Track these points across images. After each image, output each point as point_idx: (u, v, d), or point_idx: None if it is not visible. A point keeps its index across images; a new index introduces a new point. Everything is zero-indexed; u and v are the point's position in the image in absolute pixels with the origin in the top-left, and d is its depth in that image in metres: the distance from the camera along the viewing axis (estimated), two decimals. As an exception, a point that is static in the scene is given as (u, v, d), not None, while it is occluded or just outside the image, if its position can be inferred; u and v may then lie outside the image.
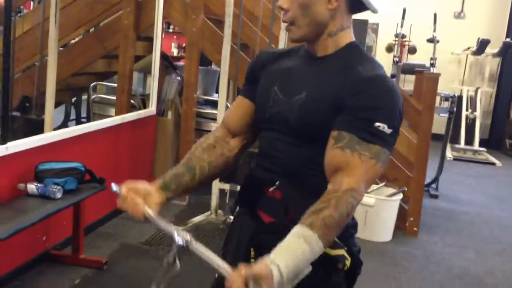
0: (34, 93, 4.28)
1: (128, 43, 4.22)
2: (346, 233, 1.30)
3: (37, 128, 4.01)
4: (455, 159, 7.46)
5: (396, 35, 6.96)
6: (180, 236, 1.12)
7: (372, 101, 1.18)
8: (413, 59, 7.78)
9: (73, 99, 6.18)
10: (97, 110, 4.85)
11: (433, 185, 5.46)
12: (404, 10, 6.93)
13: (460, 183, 6.11)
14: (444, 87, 7.20)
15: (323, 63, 1.28)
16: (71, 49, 4.65)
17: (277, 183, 1.30)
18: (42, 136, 3.02)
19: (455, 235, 4.29)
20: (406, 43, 8.03)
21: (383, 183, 4.14)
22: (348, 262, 1.27)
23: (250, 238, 1.31)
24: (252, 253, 1.30)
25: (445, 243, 4.09)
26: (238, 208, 1.44)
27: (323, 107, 1.22)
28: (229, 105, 4.45)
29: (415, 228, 4.14)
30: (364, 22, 5.64)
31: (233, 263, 1.33)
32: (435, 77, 3.91)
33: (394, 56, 6.70)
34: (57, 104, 5.72)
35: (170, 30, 8.09)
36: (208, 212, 3.99)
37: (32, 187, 2.70)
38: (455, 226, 4.54)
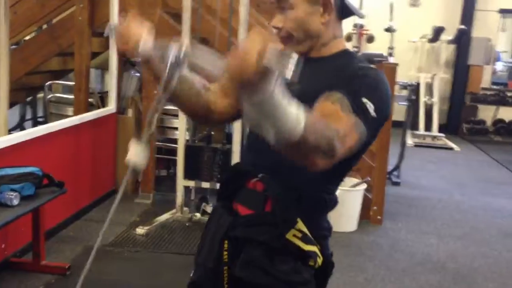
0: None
1: (84, 39, 4.11)
2: (320, 233, 1.31)
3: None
4: (416, 145, 7.62)
5: (355, 25, 7.02)
6: (176, 49, 1.10)
7: (364, 85, 1.20)
8: (371, 49, 7.87)
9: (28, 99, 5.99)
10: (54, 110, 4.72)
11: (395, 173, 5.55)
12: (361, 0, 6.99)
13: (421, 169, 6.24)
14: (402, 75, 7.31)
15: (317, 62, 1.30)
16: (24, 47, 4.50)
17: (260, 175, 1.30)
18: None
19: (417, 221, 4.38)
20: (364, 32, 8.11)
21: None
22: (319, 261, 1.27)
23: (225, 231, 1.31)
24: (226, 246, 1.30)
25: (408, 229, 4.17)
26: (216, 202, 1.44)
27: (315, 100, 1.20)
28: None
29: (379, 217, 4.20)
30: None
31: (207, 257, 1.34)
32: (393, 67, 3.96)
33: (353, 46, 6.75)
34: (11, 105, 5.55)
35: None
36: (174, 210, 3.94)
37: (-13, 194, 2.60)
38: (417, 212, 4.64)
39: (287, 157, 1.10)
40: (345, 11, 1.32)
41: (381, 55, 5.57)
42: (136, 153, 1.18)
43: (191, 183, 3.90)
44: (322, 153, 1.07)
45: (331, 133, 1.07)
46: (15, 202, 2.61)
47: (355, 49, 6.60)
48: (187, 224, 3.83)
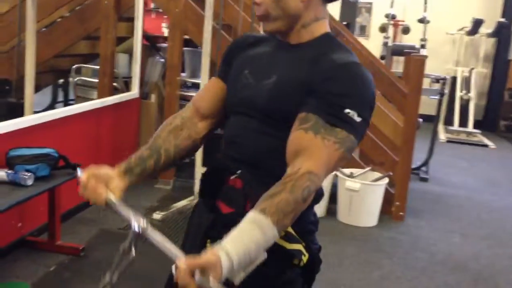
0: (14, 76, 4.19)
1: (109, 24, 4.12)
2: (305, 228, 1.25)
3: (18, 111, 3.95)
4: (449, 141, 7.40)
5: (387, 15, 6.84)
6: (136, 223, 1.09)
7: (344, 87, 1.14)
8: (406, 40, 7.66)
9: (60, 81, 6.09)
10: (81, 93, 4.77)
11: (424, 168, 5.40)
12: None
13: (452, 166, 6.05)
14: (438, 68, 7.11)
15: (296, 50, 1.24)
16: (52, 30, 4.55)
17: (238, 171, 1.26)
18: (12, 121, 2.94)
19: (442, 219, 4.24)
20: (400, 23, 7.90)
21: (369, 168, 4.08)
22: (304, 258, 1.21)
23: (206, 230, 1.27)
24: (208, 245, 1.25)
25: (431, 227, 4.04)
26: (198, 198, 1.39)
27: (293, 92, 1.18)
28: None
29: (401, 213, 4.09)
30: (354, 2, 5.53)
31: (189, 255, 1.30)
32: (422, 59, 3.82)
33: (384, 37, 6.57)
34: (42, 86, 5.67)
35: (161, 10, 7.93)
36: (192, 197, 3.93)
37: (2, 174, 2.64)
38: (443, 210, 4.49)
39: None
40: None
41: (412, 47, 5.40)
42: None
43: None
44: (305, 202, 1.09)
45: (305, 186, 1.07)
46: (29, 182, 2.64)
47: (386, 40, 6.41)
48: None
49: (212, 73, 4.18)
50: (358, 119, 1.12)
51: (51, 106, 6.34)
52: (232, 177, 1.25)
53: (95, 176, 1.20)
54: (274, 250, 1.16)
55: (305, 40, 1.24)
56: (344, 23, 5.53)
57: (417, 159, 5.33)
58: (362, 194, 3.86)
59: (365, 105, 1.15)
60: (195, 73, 5.01)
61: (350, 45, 4.31)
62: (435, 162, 5.56)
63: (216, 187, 1.30)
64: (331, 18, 4.38)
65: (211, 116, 1.36)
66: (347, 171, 4.00)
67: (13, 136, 2.87)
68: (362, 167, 4.11)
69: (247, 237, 1.01)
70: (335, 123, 1.11)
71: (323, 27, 1.26)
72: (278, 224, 1.04)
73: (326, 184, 3.97)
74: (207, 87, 1.40)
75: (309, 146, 1.10)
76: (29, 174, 2.65)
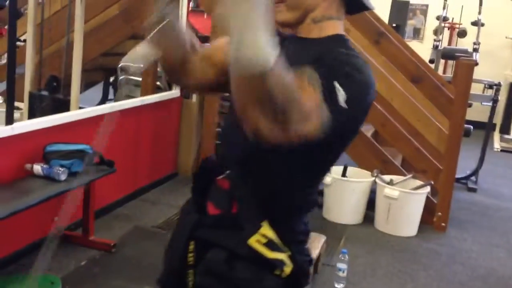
0: (62, 73, 4.33)
1: (154, 24, 4.17)
2: (293, 237, 1.20)
3: (65, 107, 4.08)
4: (503, 150, 7.04)
5: (438, 17, 6.57)
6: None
7: (341, 70, 1.04)
8: (463, 44, 7.36)
9: (112, 79, 6.25)
10: (127, 92, 4.86)
11: (473, 178, 5.17)
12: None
13: (504, 177, 5.75)
14: (495, 73, 6.78)
15: (303, 42, 1.18)
16: (100, 29, 4.66)
17: (227, 172, 1.22)
18: (51, 117, 3.03)
19: (487, 233, 4.04)
20: (456, 26, 7.60)
21: (410, 175, 3.94)
22: (287, 269, 1.14)
23: (190, 231, 1.24)
24: (192, 246, 1.22)
25: (475, 240, 3.86)
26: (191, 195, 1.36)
27: None
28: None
29: (443, 224, 3.92)
30: (405, 3, 5.36)
31: (172, 256, 1.28)
32: (470, 64, 3.64)
33: (435, 40, 6.33)
34: (92, 84, 5.83)
35: (211, 11, 7.99)
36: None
37: (37, 168, 2.72)
38: (490, 222, 4.28)
39: (235, 97, 0.94)
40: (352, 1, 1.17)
41: (465, 51, 5.17)
42: (133, 53, 1.09)
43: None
44: (273, 113, 0.90)
45: (294, 97, 0.91)
46: (63, 177, 2.71)
47: (436, 43, 6.18)
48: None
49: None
50: (343, 104, 1.00)
51: (101, 103, 6.52)
52: (220, 177, 1.22)
53: None
54: (253, 257, 1.13)
55: (314, 36, 1.17)
56: (394, 25, 5.38)
57: (466, 168, 5.11)
58: (401, 202, 3.73)
59: (357, 99, 1.04)
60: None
61: (393, 47, 4.18)
62: (486, 172, 5.31)
63: (206, 185, 1.26)
64: (377, 19, 4.26)
65: (218, 69, 1.25)
66: (386, 177, 3.88)
67: (52, 132, 2.96)
68: (404, 175, 3.97)
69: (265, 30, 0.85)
70: (322, 90, 1.00)
71: (336, 28, 1.18)
72: (273, 72, 0.86)
73: (363, 189, 3.86)
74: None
75: (302, 88, 0.97)
76: (62, 169, 2.72)
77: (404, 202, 3.75)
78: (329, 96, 1.00)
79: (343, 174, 3.93)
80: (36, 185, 2.66)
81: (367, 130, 4.20)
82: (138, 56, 1.14)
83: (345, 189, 3.86)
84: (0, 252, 2.82)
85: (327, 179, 3.82)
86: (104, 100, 6.64)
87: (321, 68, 1.02)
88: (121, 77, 4.14)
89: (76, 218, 3.26)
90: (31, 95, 4.31)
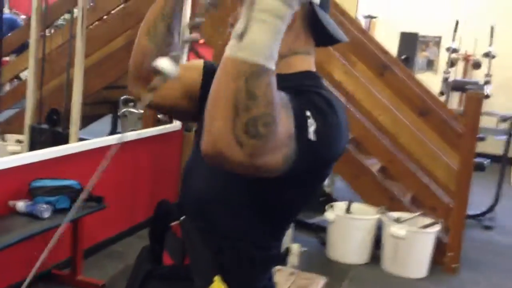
0: (63, 107, 4.29)
1: (155, 56, 4.13)
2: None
3: (64, 140, 4.02)
4: (522, 185, 6.77)
5: (447, 49, 6.44)
6: None
7: (313, 101, 0.93)
8: (477, 76, 7.20)
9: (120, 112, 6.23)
10: (132, 125, 4.80)
11: (488, 215, 4.93)
12: (457, 23, 6.42)
13: (523, 213, 5.49)
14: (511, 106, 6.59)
15: None
16: (103, 62, 4.64)
17: (181, 218, 1.11)
18: (34, 152, 2.96)
19: (504, 275, 3.79)
20: (470, 57, 7.44)
21: (419, 213, 3.75)
22: None
23: (141, 283, 1.14)
24: None
25: (490, 283, 3.62)
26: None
27: None
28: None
29: (454, 265, 3.69)
30: (414, 35, 5.25)
31: None
32: (478, 96, 3.49)
33: (445, 72, 6.18)
34: (98, 117, 5.80)
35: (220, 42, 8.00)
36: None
37: (20, 204, 2.63)
38: (507, 264, 4.03)
39: (212, 97, 0.81)
40: (321, 34, 1.05)
41: (475, 83, 5.01)
42: (168, 61, 0.95)
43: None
44: (243, 126, 0.78)
45: (274, 117, 0.80)
46: (46, 214, 2.60)
47: (446, 75, 6.03)
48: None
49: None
50: (311, 136, 0.89)
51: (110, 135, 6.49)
52: (175, 223, 1.12)
53: None
54: None
55: (283, 71, 1.03)
56: (403, 57, 5.26)
57: (482, 204, 4.88)
58: (409, 242, 3.53)
59: (328, 134, 0.93)
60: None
61: (398, 80, 4.06)
62: (503, 208, 5.06)
63: (162, 232, 1.16)
64: (383, 52, 4.15)
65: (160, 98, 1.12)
66: (394, 214, 3.69)
67: (40, 166, 2.87)
68: (412, 212, 3.78)
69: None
70: (293, 112, 0.89)
71: (305, 64, 1.07)
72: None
73: (369, 226, 3.68)
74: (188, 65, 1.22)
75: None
76: (46, 206, 2.61)
77: (412, 241, 3.55)
78: (298, 124, 0.88)
79: (347, 210, 3.75)
80: (18, 223, 2.55)
81: (373, 164, 4.04)
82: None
83: (349, 226, 3.68)
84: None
85: (331, 215, 3.66)
86: (112, 133, 6.62)
87: (294, 98, 0.91)
88: (122, 110, 4.05)
89: (65, 256, 3.15)
90: (31, 128, 4.28)
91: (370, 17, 7.16)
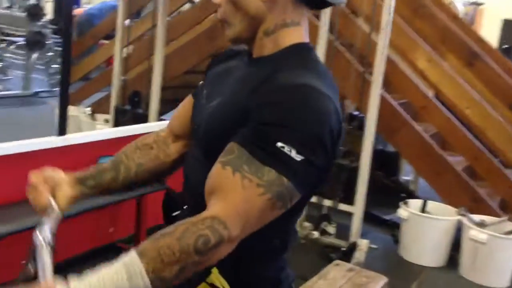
0: (144, 89, 4.44)
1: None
2: (259, 285, 1.03)
3: (144, 120, 4.19)
4: None
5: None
6: (39, 235, 0.99)
7: (281, 115, 0.88)
8: None
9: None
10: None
11: None
12: None
13: None
14: None
15: (254, 65, 1.02)
16: (184, 48, 4.72)
17: (185, 207, 1.09)
18: (102, 131, 3.06)
19: None
20: None
21: (506, 217, 3.41)
22: None
23: None
24: None
25: None
26: None
27: (227, 118, 0.96)
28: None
29: (544, 276, 3.32)
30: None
31: None
32: None
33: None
34: (181, 100, 5.94)
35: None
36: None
37: (87, 179, 2.73)
38: None
39: None
40: None
41: None
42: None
43: (313, 198, 3.59)
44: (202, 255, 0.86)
45: (201, 234, 0.85)
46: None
47: None
48: (302, 241, 3.54)
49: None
50: (297, 157, 0.86)
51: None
52: (175, 214, 1.15)
53: (44, 178, 1.08)
54: None
55: (267, 52, 1.00)
56: (504, 46, 4.82)
57: None
58: (490, 248, 3.22)
59: (309, 140, 0.88)
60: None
61: (490, 69, 3.70)
62: None
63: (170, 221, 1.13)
64: (476, 39, 3.81)
65: (185, 137, 1.17)
66: (476, 217, 3.39)
67: (108, 144, 2.96)
68: (497, 215, 3.45)
69: (108, 281, 0.83)
70: (263, 160, 0.86)
71: (295, 36, 0.99)
72: (154, 274, 0.83)
73: (447, 227, 3.41)
74: (182, 104, 1.23)
75: (224, 186, 0.87)
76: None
77: (494, 247, 3.23)
78: (278, 161, 0.87)
79: (423, 209, 3.51)
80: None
81: (458, 162, 3.73)
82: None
83: (424, 225, 3.43)
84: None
85: (404, 213, 3.44)
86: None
87: (260, 129, 0.88)
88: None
89: (130, 233, 3.24)
90: (116, 109, 4.50)
91: (476, 3, 6.65)
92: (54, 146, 2.65)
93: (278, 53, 0.98)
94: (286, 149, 0.86)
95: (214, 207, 0.87)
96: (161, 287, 0.85)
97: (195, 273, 0.88)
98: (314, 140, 0.88)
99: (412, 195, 4.17)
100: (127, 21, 4.51)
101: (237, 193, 0.86)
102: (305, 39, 1.01)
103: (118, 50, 4.43)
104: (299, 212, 1.05)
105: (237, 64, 1.07)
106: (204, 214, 0.86)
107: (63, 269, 2.86)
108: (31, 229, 1.04)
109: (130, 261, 0.85)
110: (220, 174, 0.89)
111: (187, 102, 1.20)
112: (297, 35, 0.99)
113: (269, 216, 0.89)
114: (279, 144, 0.86)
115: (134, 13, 5.09)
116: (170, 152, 1.18)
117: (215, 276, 0.98)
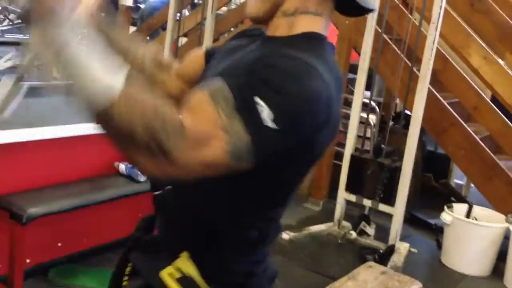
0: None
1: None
2: (230, 278, 1.00)
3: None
4: None
5: None
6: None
7: (270, 75, 0.84)
8: None
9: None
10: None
11: None
12: None
13: None
14: None
15: (264, 44, 0.99)
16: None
17: (167, 187, 1.05)
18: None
19: None
20: None
21: (560, 228, 3.18)
22: None
23: (126, 252, 1.13)
24: (129, 269, 1.12)
25: None
26: None
27: (233, 75, 0.91)
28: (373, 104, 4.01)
29: None
30: None
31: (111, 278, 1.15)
32: None
33: None
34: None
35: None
36: (331, 223, 3.62)
37: (122, 166, 2.78)
38: None
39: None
40: None
41: None
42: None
43: (352, 198, 3.51)
44: (145, 149, 0.76)
45: (160, 123, 0.76)
46: (142, 178, 2.73)
47: None
48: (339, 241, 3.46)
49: (372, 92, 3.79)
50: (269, 123, 0.80)
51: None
52: (156, 193, 1.08)
53: None
54: None
55: (280, 33, 0.96)
56: None
57: None
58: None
59: (290, 112, 0.82)
60: (380, 92, 4.64)
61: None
62: None
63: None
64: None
65: (184, 82, 1.16)
66: (526, 226, 3.19)
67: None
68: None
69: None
70: (237, 108, 0.80)
71: (312, 25, 0.96)
72: (120, 103, 0.75)
73: (493, 235, 3.23)
74: (194, 54, 1.20)
75: (198, 107, 0.81)
76: (143, 170, 2.73)
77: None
78: (248, 114, 0.80)
79: (468, 215, 3.34)
80: (116, 182, 2.71)
81: (511, 168, 3.52)
82: None
83: (469, 232, 3.27)
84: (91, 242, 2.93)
85: (447, 217, 3.29)
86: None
87: (247, 79, 0.83)
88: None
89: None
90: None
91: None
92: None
93: (290, 37, 0.95)
94: (260, 107, 0.80)
95: (187, 119, 0.79)
96: (105, 124, 0.78)
97: None
98: (296, 114, 0.82)
99: (462, 200, 3.98)
100: (185, 10, 4.54)
101: (208, 114, 0.80)
102: (323, 31, 0.97)
103: (168, 42, 4.50)
104: (281, 204, 1.01)
105: (251, 42, 1.05)
106: (178, 116, 0.79)
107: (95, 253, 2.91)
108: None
109: (122, 76, 0.76)
110: (197, 94, 0.84)
111: (200, 56, 1.16)
112: (315, 25, 0.96)
113: (217, 169, 0.82)
114: (257, 99, 0.80)
115: (188, 5, 5.13)
116: (174, 85, 1.17)
117: (183, 261, 0.96)
